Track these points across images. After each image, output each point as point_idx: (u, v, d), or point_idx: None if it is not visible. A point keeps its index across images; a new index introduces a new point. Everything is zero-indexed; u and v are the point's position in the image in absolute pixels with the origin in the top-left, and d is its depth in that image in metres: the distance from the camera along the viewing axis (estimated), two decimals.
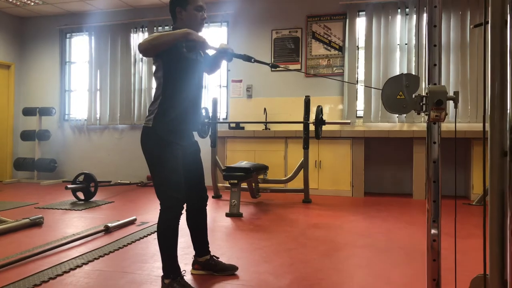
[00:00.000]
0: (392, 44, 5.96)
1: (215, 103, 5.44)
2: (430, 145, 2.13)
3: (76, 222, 4.06)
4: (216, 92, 6.73)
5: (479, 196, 5.15)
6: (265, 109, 6.34)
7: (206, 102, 6.55)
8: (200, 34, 2.25)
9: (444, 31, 5.77)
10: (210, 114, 5.38)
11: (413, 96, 2.11)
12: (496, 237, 1.86)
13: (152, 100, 2.36)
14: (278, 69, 6.38)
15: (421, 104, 2.08)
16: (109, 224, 3.62)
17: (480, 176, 5.32)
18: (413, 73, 5.73)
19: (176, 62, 2.29)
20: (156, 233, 2.40)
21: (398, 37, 5.96)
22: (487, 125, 1.74)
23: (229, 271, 2.58)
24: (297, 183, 5.42)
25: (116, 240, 3.34)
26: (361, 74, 6.10)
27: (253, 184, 4.99)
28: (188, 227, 2.58)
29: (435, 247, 2.07)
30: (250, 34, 6.57)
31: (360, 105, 6.11)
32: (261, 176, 5.10)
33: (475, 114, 5.66)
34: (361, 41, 6.11)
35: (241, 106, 6.54)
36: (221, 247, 3.18)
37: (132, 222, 3.96)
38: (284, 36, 6.41)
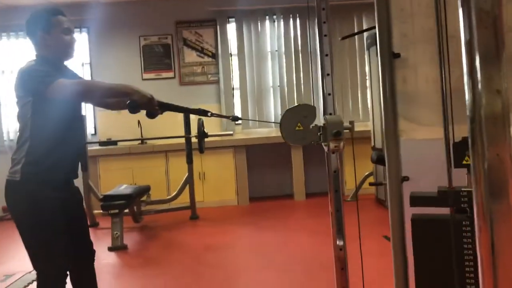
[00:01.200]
0: (264, 51, 6.05)
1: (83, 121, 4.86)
2: (331, 175, 2.13)
3: None
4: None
5: (352, 192, 5.53)
6: (139, 121, 5.91)
7: None
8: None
9: (312, 38, 6.05)
10: None
11: (311, 126, 2.07)
12: (400, 258, 1.93)
13: (17, 146, 1.91)
14: (152, 78, 6.01)
15: (319, 134, 2.06)
16: None
17: (351, 173, 5.73)
18: (285, 81, 5.96)
19: (48, 102, 1.86)
20: None
21: (269, 43, 6.07)
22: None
23: None
24: (182, 198, 5.17)
25: None
26: (236, 81, 6.07)
27: (135, 208, 4.60)
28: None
29: (341, 256, 2.07)
30: (116, 42, 6.04)
31: (237, 111, 6.09)
32: (144, 198, 4.73)
33: (342, 115, 6.07)
34: (233, 47, 6.07)
35: (111, 120, 5.98)
36: None
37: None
38: (153, 43, 6.04)
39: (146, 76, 6.04)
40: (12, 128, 5.95)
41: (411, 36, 1.92)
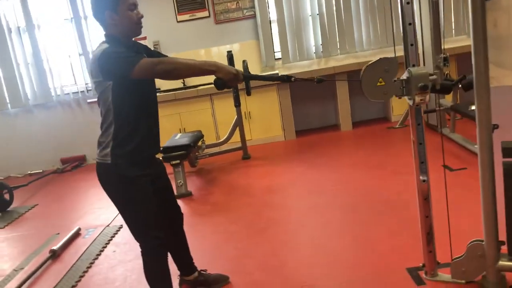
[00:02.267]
0: None
1: None
2: (416, 128, 2.11)
3: (5, 250, 3.54)
4: None
5: (401, 118, 5.45)
6: None
7: None
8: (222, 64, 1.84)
9: None
10: None
11: (393, 80, 2.02)
12: (490, 206, 1.95)
13: (102, 129, 1.97)
14: (187, 20, 5.84)
15: (401, 88, 2.01)
16: (55, 248, 3.20)
17: (397, 99, 5.61)
18: (324, 8, 5.65)
19: (127, 84, 1.88)
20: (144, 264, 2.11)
21: None
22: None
23: (222, 283, 2.45)
24: (232, 139, 5.26)
25: (72, 268, 2.97)
26: (273, 14, 5.82)
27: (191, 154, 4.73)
28: (169, 250, 2.35)
29: (424, 188, 2.13)
30: None
31: (276, 46, 5.92)
32: (199, 144, 4.84)
33: (385, 39, 5.81)
34: None
35: None
36: (191, 247, 3.01)
37: (77, 234, 3.55)
38: None
39: (180, 18, 5.87)
40: (58, 83, 6.04)
41: None
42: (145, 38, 5.92)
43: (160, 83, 5.85)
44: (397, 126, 5.41)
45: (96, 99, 2.06)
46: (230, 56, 4.73)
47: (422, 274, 2.22)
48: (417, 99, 1.95)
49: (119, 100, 1.89)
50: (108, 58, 1.81)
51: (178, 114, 5.63)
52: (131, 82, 1.86)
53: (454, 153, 4.07)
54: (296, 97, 5.73)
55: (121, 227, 3.55)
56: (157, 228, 2.02)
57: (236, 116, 5.02)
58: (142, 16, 1.97)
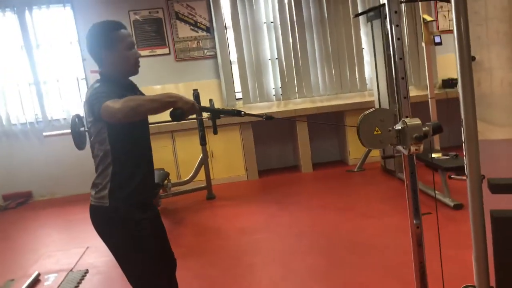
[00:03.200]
0: (259, 22, 5.92)
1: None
2: (409, 176, 2.22)
3: None
4: (73, 86, 5.79)
5: (359, 162, 5.71)
6: None
7: (74, 107, 5.60)
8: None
9: (305, 8, 5.97)
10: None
11: (388, 130, 2.13)
12: (482, 254, 2.09)
13: (98, 171, 1.84)
14: (146, 55, 5.79)
15: (396, 137, 2.13)
16: None
17: (355, 143, 5.89)
18: (283, 53, 5.88)
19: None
20: None
21: (264, 14, 5.94)
22: None
23: None
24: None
25: None
26: (233, 55, 5.95)
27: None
28: None
29: (418, 233, 2.20)
30: (104, 17, 5.66)
31: (237, 86, 6.02)
32: (165, 182, 4.71)
33: (340, 85, 6.13)
34: (227, 20, 5.90)
35: None
36: None
37: (37, 280, 3.24)
38: (144, 18, 5.76)
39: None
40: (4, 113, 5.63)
41: (484, 39, 1.99)
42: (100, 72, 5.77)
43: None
44: (356, 170, 5.64)
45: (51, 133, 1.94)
46: (196, 94, 4.73)
47: None
48: (412, 149, 2.06)
49: (116, 139, 1.79)
50: (95, 98, 1.70)
51: None
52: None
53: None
54: (257, 138, 5.82)
55: (87, 271, 3.29)
56: (163, 278, 1.92)
57: (201, 155, 4.97)
58: (140, 56, 1.94)
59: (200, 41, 5.85)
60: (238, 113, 1.89)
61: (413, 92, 5.86)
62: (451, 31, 6.00)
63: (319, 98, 6.08)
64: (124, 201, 1.81)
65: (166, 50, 5.82)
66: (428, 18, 5.17)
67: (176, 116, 1.70)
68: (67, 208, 5.22)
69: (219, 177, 5.60)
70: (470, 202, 2.08)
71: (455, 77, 5.91)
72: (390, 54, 5.01)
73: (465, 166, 2.11)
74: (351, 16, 5.95)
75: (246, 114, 1.90)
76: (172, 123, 5.29)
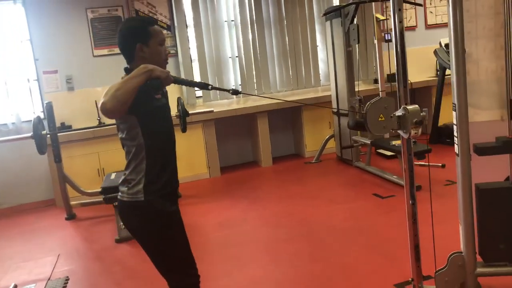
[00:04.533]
0: (220, 21, 5.98)
1: (49, 109, 4.45)
2: (407, 158, 2.42)
3: None
4: (25, 88, 5.46)
5: (316, 154, 5.95)
6: (96, 102, 5.54)
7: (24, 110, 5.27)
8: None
9: (264, 7, 6.11)
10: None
11: (390, 116, 2.32)
12: (469, 223, 2.33)
13: (131, 167, 1.86)
14: (104, 54, 5.62)
15: (397, 123, 2.32)
16: None
17: (310, 136, 6.13)
18: (243, 51, 5.98)
19: (153, 114, 1.84)
20: None
21: (225, 13, 6.00)
22: None
23: None
24: None
25: None
26: (194, 53, 5.95)
27: None
28: None
29: (414, 211, 2.41)
30: (59, 15, 5.45)
31: None
32: None
33: (296, 82, 6.35)
34: (189, 19, 5.88)
35: (62, 103, 5.50)
36: None
37: None
38: (102, 16, 5.59)
39: (97, 52, 5.62)
40: None
41: (474, 33, 2.24)
42: (55, 71, 5.52)
43: (70, 119, 5.47)
44: (313, 161, 5.88)
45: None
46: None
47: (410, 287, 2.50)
48: (413, 132, 2.26)
49: (149, 134, 1.83)
50: None
51: (97, 153, 5.29)
52: (155, 110, 1.83)
53: (376, 183, 4.61)
54: (218, 135, 5.86)
55: (67, 279, 3.18)
56: (195, 267, 1.96)
57: None
58: (169, 53, 1.96)
59: None
60: (205, 86, 1.92)
61: (362, 86, 6.21)
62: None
63: (277, 94, 6.25)
64: (157, 195, 1.85)
65: None
66: (381, 17, 5.52)
67: (154, 86, 1.68)
68: (19, 218, 4.96)
69: (181, 176, 5.48)
70: (460, 177, 2.33)
71: None
72: (350, 51, 5.30)
73: (456, 145, 2.34)
74: (321, 15, 6.15)
75: (213, 88, 1.94)
76: None
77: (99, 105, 1.64)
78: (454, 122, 2.31)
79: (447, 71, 5.58)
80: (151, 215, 1.85)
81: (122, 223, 3.73)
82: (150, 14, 5.70)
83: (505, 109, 2.27)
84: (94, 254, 3.60)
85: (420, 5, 5.49)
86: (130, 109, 1.72)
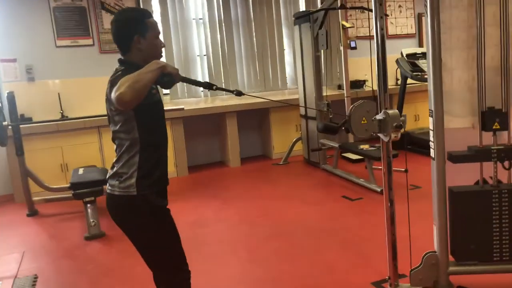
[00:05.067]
0: (188, 19, 5.94)
1: (11, 99, 4.23)
2: (386, 159, 2.54)
3: None
4: None
5: (284, 156, 6.06)
6: (59, 94, 5.34)
7: None
8: None
9: (232, 7, 6.14)
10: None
11: (372, 120, 2.43)
12: (443, 224, 2.49)
13: (122, 161, 1.82)
14: (68, 45, 5.42)
15: (378, 126, 2.44)
16: None
17: (278, 138, 6.23)
18: (211, 50, 5.98)
19: (150, 109, 1.81)
20: None
21: (193, 11, 5.97)
22: None
23: None
24: None
25: None
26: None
27: None
28: None
29: (392, 210, 2.54)
30: (19, 3, 5.20)
31: None
32: None
33: (264, 84, 6.44)
34: (156, 14, 5.79)
35: (22, 93, 5.23)
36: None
37: None
38: (66, 5, 5.38)
39: (60, 43, 5.41)
40: None
41: (448, 44, 2.40)
42: (14, 60, 5.27)
43: (30, 111, 5.24)
44: (281, 163, 5.98)
45: None
46: None
47: (386, 286, 2.62)
48: (393, 136, 2.38)
49: (145, 128, 1.80)
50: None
51: (60, 147, 5.09)
52: (152, 105, 1.82)
53: (344, 185, 4.77)
54: (185, 134, 5.82)
55: (36, 277, 3.05)
56: (185, 262, 1.95)
57: None
58: (164, 46, 1.96)
59: None
60: (210, 86, 1.93)
61: (326, 92, 6.40)
62: (359, 37, 6.65)
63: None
64: (150, 189, 1.83)
65: (89, 41, 5.51)
66: (347, 25, 5.73)
67: (165, 82, 1.69)
68: None
69: None
70: (435, 180, 2.47)
71: (360, 78, 6.65)
72: (319, 56, 5.43)
73: (432, 149, 2.49)
74: (292, 17, 6.29)
75: (217, 88, 1.95)
76: (98, 117, 5.07)
77: (113, 96, 1.58)
78: (431, 127, 2.46)
79: (409, 80, 5.89)
80: (144, 209, 1.82)
81: (93, 220, 3.66)
82: (117, 7, 5.57)
83: (477, 117, 2.45)
84: (63, 251, 3.47)
85: (387, 15, 5.71)
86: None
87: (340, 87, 6.66)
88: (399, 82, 6.94)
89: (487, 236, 2.48)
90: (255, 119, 6.49)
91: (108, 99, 1.79)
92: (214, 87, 1.96)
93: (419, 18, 7.34)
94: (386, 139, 2.45)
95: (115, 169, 1.84)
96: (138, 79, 1.58)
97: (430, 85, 2.43)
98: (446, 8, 2.30)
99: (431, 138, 2.47)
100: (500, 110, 2.40)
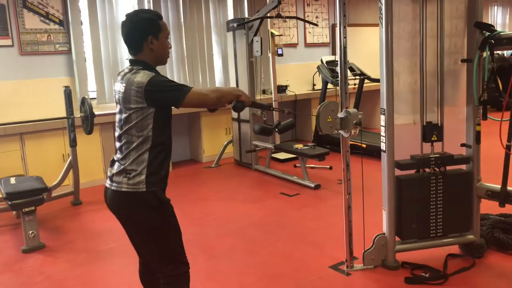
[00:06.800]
0: (117, 20, 5.77)
1: None
2: (345, 154, 2.81)
3: None
4: None
5: (216, 159, 6.14)
6: None
7: None
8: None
9: (163, 11, 6.11)
10: None
11: (335, 118, 2.69)
12: (392, 209, 2.82)
13: (131, 158, 1.86)
14: None
15: (340, 123, 2.70)
16: None
17: (208, 142, 6.31)
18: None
19: (168, 111, 1.92)
20: None
21: (123, 14, 5.82)
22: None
23: None
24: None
25: None
26: (88, 52, 5.62)
27: None
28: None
29: (349, 199, 2.83)
30: None
31: (92, 84, 5.70)
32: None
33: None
34: (84, 15, 5.54)
35: None
36: None
37: None
38: None
39: None
40: None
41: (396, 52, 2.75)
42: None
43: None
44: (213, 166, 6.06)
45: None
46: (69, 92, 4.38)
47: (343, 268, 2.88)
48: (352, 132, 2.65)
49: (159, 127, 1.87)
50: (160, 86, 1.80)
51: None
52: (169, 108, 1.92)
53: (279, 183, 5.02)
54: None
55: None
56: (185, 256, 2.02)
57: (70, 158, 4.57)
58: (171, 47, 2.03)
59: (52, 35, 5.33)
60: (269, 107, 2.26)
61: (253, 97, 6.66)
62: (286, 45, 7.02)
63: None
64: (158, 186, 1.89)
65: (8, 42, 5.09)
66: (275, 33, 6.05)
67: (238, 108, 1.96)
68: None
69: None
70: (385, 170, 2.80)
71: (283, 84, 7.02)
72: (252, 61, 5.65)
73: (383, 143, 2.81)
74: (223, 23, 6.38)
75: (274, 109, 2.35)
76: (21, 124, 4.72)
77: (200, 96, 1.86)
78: (383, 124, 2.79)
79: (329, 85, 6.38)
80: (153, 203, 1.87)
81: (32, 232, 3.42)
82: (40, 6, 5.23)
83: (418, 115, 2.83)
84: (0, 266, 3.19)
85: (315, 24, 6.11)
86: (154, 103, 1.79)
87: (264, 91, 6.95)
88: (315, 87, 7.50)
89: (425, 216, 2.87)
90: (184, 124, 6.49)
91: (123, 98, 1.83)
92: (271, 108, 2.29)
93: (333, 28, 7.96)
94: (346, 135, 2.72)
95: (122, 166, 1.86)
96: (224, 95, 1.91)
97: (382, 87, 2.75)
98: (395, 21, 2.64)
99: (383, 134, 2.80)
100: (436, 124, 2.81)
